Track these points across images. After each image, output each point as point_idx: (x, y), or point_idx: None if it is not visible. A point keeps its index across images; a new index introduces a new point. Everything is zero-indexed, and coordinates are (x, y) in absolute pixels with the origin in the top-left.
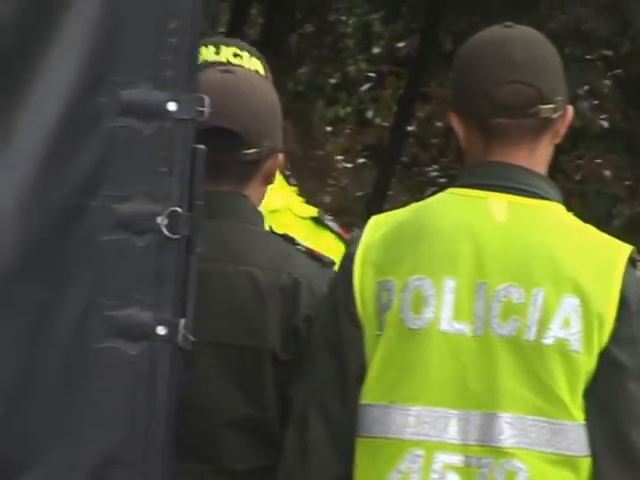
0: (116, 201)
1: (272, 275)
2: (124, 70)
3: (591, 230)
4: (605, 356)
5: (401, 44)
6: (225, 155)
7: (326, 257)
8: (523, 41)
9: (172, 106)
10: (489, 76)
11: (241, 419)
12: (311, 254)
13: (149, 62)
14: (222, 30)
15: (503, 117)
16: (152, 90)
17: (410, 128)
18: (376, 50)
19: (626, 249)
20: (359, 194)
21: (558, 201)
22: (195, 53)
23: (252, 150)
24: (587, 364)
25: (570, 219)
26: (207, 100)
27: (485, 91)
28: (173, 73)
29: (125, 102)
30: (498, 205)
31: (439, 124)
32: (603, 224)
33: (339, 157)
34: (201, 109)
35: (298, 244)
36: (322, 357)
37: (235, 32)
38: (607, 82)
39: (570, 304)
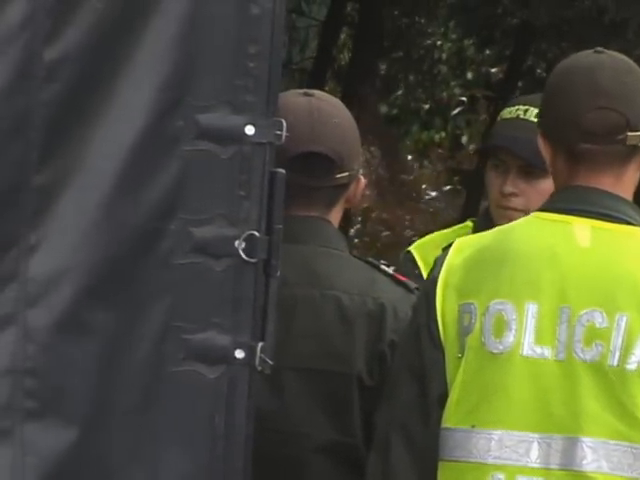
0: (193, 224)
1: (358, 300)
2: (202, 94)
3: None
4: None
5: (494, 69)
6: (318, 180)
7: (410, 282)
8: (612, 67)
9: (250, 130)
10: (577, 102)
11: (328, 445)
12: (395, 279)
13: (227, 86)
14: (312, 55)
15: (590, 143)
16: (230, 114)
17: None
18: (469, 75)
19: None
20: (449, 219)
21: None
22: (275, 78)
23: (344, 174)
24: None
25: None
26: (284, 124)
27: (573, 116)
28: (251, 97)
29: (203, 126)
30: (582, 230)
31: None
32: None
33: (432, 182)
34: (279, 133)
35: (382, 269)
36: (404, 380)
37: (324, 57)
38: None
39: None
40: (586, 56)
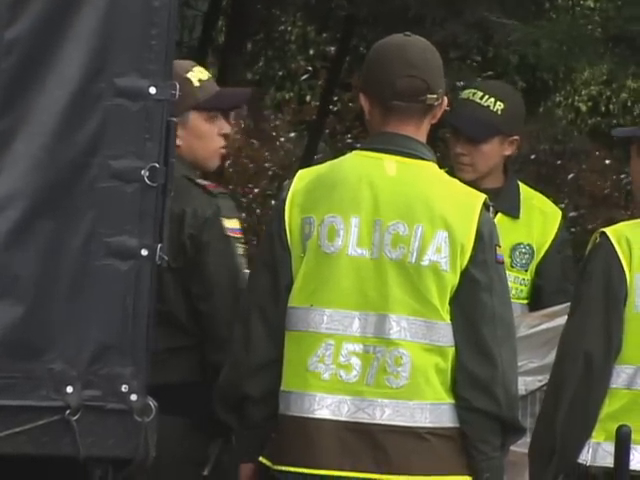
0: (112, 158)
1: (175, 208)
2: (118, 63)
3: (458, 183)
4: (465, 274)
5: (329, 48)
6: None
7: (216, 189)
8: (418, 46)
9: (152, 90)
10: (392, 70)
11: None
12: (203, 188)
13: (137, 58)
14: (197, 37)
15: (399, 101)
16: (138, 78)
17: (334, 108)
18: (312, 52)
19: (482, 197)
20: (296, 156)
21: (434, 161)
22: (170, 52)
23: None
24: (453, 280)
25: (442, 174)
26: (177, 86)
27: (388, 81)
28: (154, 66)
29: (118, 87)
30: (390, 163)
31: (352, 105)
32: None
33: (284, 129)
34: (173, 92)
35: (196, 182)
36: (261, 272)
37: (206, 38)
38: (479, 79)
39: (441, 236)
40: (398, 38)
